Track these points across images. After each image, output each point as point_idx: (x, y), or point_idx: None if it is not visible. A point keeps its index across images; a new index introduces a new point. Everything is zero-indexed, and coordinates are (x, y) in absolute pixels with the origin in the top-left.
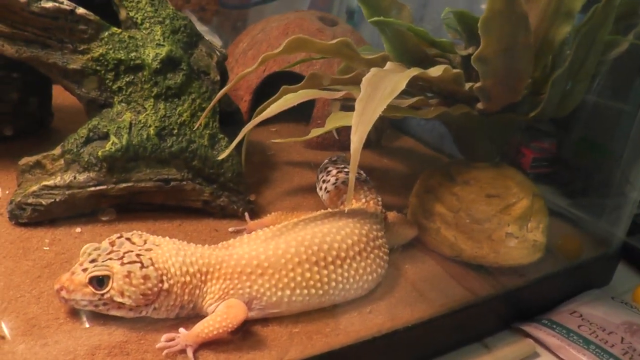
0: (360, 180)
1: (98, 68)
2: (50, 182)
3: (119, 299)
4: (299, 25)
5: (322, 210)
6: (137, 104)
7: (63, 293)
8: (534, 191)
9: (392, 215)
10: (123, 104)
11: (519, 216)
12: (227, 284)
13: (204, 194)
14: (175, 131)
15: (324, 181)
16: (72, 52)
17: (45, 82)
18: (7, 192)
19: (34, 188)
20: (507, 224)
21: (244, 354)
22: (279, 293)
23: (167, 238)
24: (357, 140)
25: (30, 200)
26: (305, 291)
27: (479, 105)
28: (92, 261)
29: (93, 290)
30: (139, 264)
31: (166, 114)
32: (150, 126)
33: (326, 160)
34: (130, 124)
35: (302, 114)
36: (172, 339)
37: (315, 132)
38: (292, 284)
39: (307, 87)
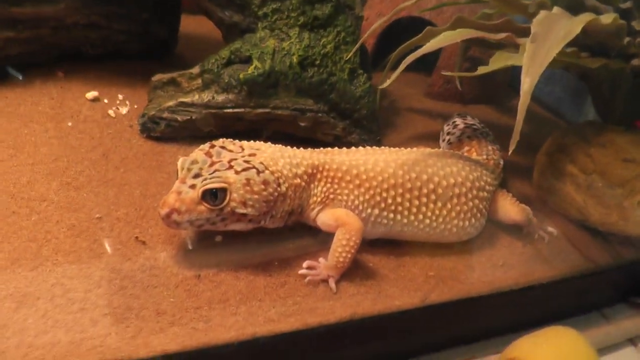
0: (486, 137)
1: None
2: (187, 99)
3: (242, 210)
4: None
5: (436, 149)
6: (281, 32)
7: (175, 216)
8: None
9: (502, 192)
10: (267, 30)
11: None
12: (327, 187)
13: (337, 128)
14: (318, 62)
15: (448, 133)
16: None
17: (174, 7)
18: (135, 106)
19: (170, 103)
20: None
21: (383, 288)
22: (368, 210)
23: (260, 142)
24: (528, 82)
25: (165, 115)
26: (391, 215)
27: (635, 62)
28: (197, 176)
29: (209, 206)
30: (254, 170)
31: (310, 44)
32: (293, 54)
33: (455, 114)
34: (274, 50)
35: (422, 64)
36: (314, 267)
37: (482, 70)
38: (382, 204)
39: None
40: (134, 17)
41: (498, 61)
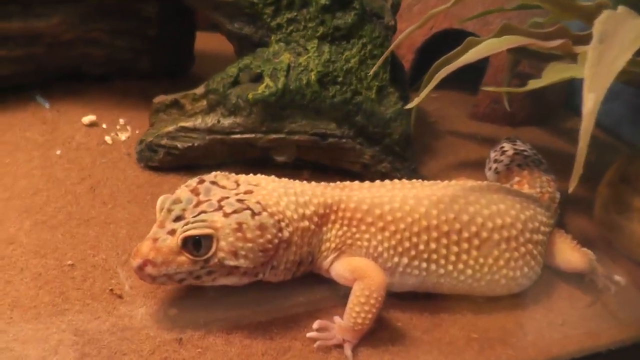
0: (538, 165)
1: (255, 1)
2: (189, 124)
3: (232, 262)
4: None
5: (479, 181)
6: (297, 45)
7: (149, 269)
8: None
9: (560, 233)
10: (281, 44)
11: None
12: (344, 230)
13: (365, 155)
14: (340, 79)
15: (495, 160)
16: None
17: (188, 22)
18: (137, 132)
19: (170, 128)
20: None
21: (413, 356)
22: (395, 259)
23: (261, 175)
24: (592, 99)
25: (164, 142)
26: (424, 265)
27: None
28: (178, 219)
29: (191, 257)
30: (248, 212)
31: (331, 59)
32: (311, 71)
33: (503, 139)
34: (289, 66)
35: (466, 82)
36: (326, 329)
37: (533, 84)
38: (412, 252)
39: None
40: (139, 33)
41: (553, 74)
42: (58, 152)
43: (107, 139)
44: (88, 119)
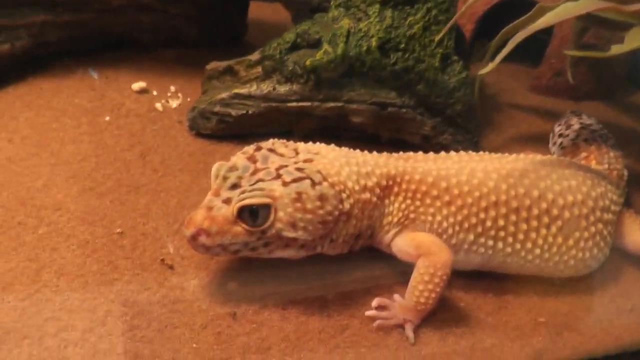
0: (606, 141)
1: None
2: (243, 90)
3: (290, 233)
4: None
5: (548, 156)
6: (358, 10)
7: (203, 239)
8: None
9: (630, 213)
10: (341, 9)
11: None
12: (407, 204)
13: (425, 126)
14: (402, 46)
15: (560, 135)
16: None
17: None
18: (188, 99)
19: (223, 95)
20: None
21: (478, 339)
22: (461, 235)
23: (320, 143)
24: None
25: (217, 109)
26: (491, 242)
27: None
28: (234, 187)
29: (247, 227)
30: (308, 181)
31: (393, 24)
32: (372, 37)
33: (568, 112)
34: (349, 32)
35: (527, 53)
36: (386, 308)
37: (615, 50)
38: (479, 228)
39: None
40: (193, 0)
41: (637, 39)
42: (107, 119)
43: (158, 105)
44: (138, 85)
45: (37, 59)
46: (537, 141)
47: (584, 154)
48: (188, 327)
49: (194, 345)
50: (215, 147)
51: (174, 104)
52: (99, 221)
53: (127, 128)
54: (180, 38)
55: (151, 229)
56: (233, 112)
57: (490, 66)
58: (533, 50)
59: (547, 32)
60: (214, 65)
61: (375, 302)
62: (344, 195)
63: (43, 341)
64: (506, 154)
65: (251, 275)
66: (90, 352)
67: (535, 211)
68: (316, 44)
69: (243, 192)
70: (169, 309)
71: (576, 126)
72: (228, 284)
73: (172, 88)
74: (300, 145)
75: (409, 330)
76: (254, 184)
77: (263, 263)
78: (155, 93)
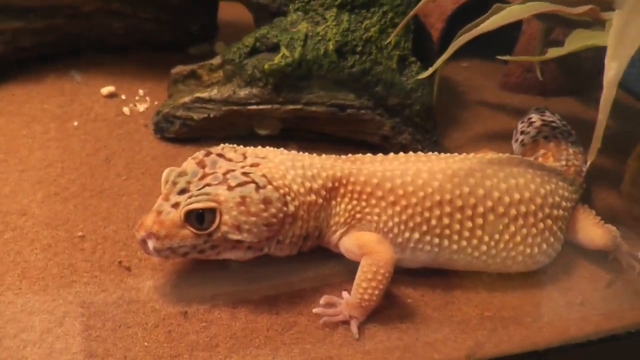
0: (566, 137)
1: None
2: (204, 95)
3: (235, 236)
4: None
5: (499, 154)
6: (316, 14)
7: (152, 242)
8: None
9: (584, 209)
10: (299, 13)
11: None
12: (353, 204)
13: (384, 127)
14: (359, 49)
15: (522, 132)
16: None
17: None
18: (155, 103)
19: (186, 99)
20: None
21: (422, 334)
22: (406, 234)
23: (269, 147)
24: (614, 68)
25: (179, 113)
26: (436, 240)
27: None
28: (182, 192)
29: (194, 230)
30: (252, 185)
31: (350, 28)
32: (329, 40)
33: (532, 109)
34: (306, 35)
35: (496, 51)
36: (333, 305)
37: (554, 53)
38: (424, 227)
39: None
40: (162, 4)
41: (576, 41)
42: (75, 124)
43: (125, 109)
44: (107, 89)
45: (10, 64)
46: (502, 138)
47: (542, 151)
48: (141, 327)
49: (145, 343)
50: (179, 150)
51: (141, 107)
52: (62, 225)
53: (94, 133)
54: (151, 42)
55: (111, 232)
56: (195, 116)
57: (431, 70)
58: (505, 47)
59: (518, 28)
60: (179, 69)
61: (322, 300)
62: (288, 198)
63: (3, 342)
64: (455, 154)
65: (204, 276)
66: (47, 352)
67: (481, 209)
68: (275, 48)
69: (190, 197)
70: (124, 310)
71: (537, 123)
72: (181, 284)
73: (141, 92)
74: (249, 149)
75: (353, 326)
76: (201, 188)
77: (216, 264)
78: (123, 97)
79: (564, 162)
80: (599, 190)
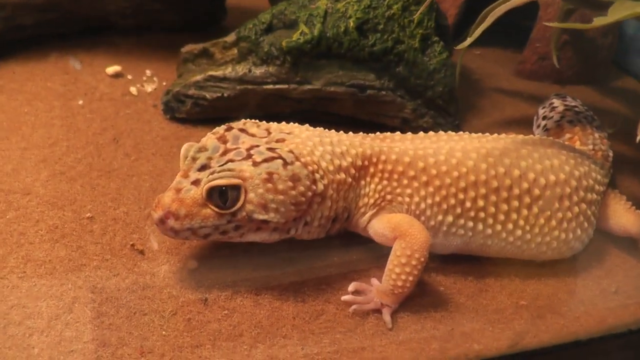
0: (591, 124)
1: None
2: (218, 73)
3: (261, 215)
4: None
5: (530, 135)
6: None
7: (171, 222)
8: None
9: (614, 194)
10: None
11: None
12: (383, 185)
13: (405, 109)
14: (381, 26)
15: (544, 117)
16: None
17: None
18: (164, 83)
19: (198, 78)
20: None
21: (457, 323)
22: (439, 216)
23: (294, 123)
24: None
25: (191, 92)
26: (470, 224)
27: None
28: (203, 168)
29: (216, 209)
30: (280, 161)
31: (371, 5)
32: (350, 17)
33: (553, 94)
34: (326, 12)
35: (510, 39)
36: (363, 292)
37: (599, 21)
38: (458, 209)
39: None
40: None
41: (620, 10)
42: (80, 102)
43: (133, 89)
44: (112, 69)
45: (11, 43)
46: (521, 125)
47: (568, 135)
48: (157, 314)
49: (163, 332)
50: (190, 131)
51: (149, 88)
52: (69, 206)
53: (100, 112)
54: (159, 23)
55: (122, 213)
56: (208, 95)
57: (468, 40)
58: (517, 36)
59: (531, 18)
60: (189, 48)
61: (351, 287)
62: (317, 176)
63: (7, 329)
64: (487, 134)
65: (224, 261)
66: (55, 340)
67: (516, 191)
68: (292, 25)
69: (212, 173)
70: (138, 295)
71: (560, 108)
72: (200, 269)
73: (148, 72)
74: (273, 125)
75: (386, 315)
76: (223, 164)
77: (236, 248)
78: (130, 77)
79: (591, 147)
80: (623, 178)
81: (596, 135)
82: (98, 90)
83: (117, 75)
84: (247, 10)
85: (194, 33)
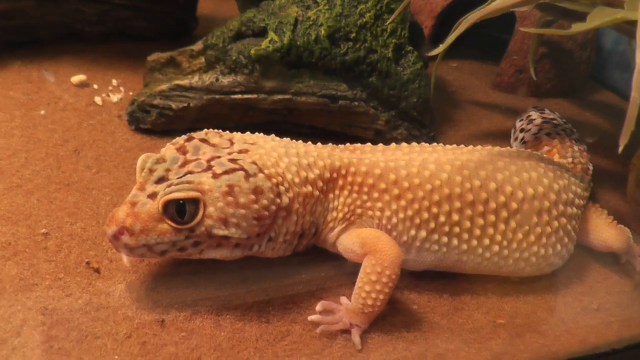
0: (570, 136)
1: None
2: (184, 82)
3: (221, 231)
4: None
5: (507, 147)
6: None
7: (125, 238)
8: None
9: (595, 208)
10: None
11: None
12: (353, 198)
13: (379, 120)
14: (353, 35)
15: (522, 130)
16: None
17: None
18: (130, 93)
19: (163, 87)
20: None
21: (431, 344)
22: (412, 231)
23: (259, 133)
24: None
25: (156, 102)
26: (445, 239)
27: None
28: (160, 180)
29: (174, 224)
30: (241, 172)
31: (343, 12)
32: (321, 25)
33: (530, 107)
34: (296, 20)
35: (487, 52)
36: (331, 311)
37: (578, 28)
38: (432, 224)
39: None
40: None
41: (599, 17)
42: (42, 112)
43: (97, 99)
44: (77, 78)
45: None
46: (498, 137)
47: (546, 148)
48: (111, 337)
49: (116, 357)
50: (155, 142)
51: (114, 98)
52: (24, 221)
53: (62, 122)
54: (127, 31)
55: (79, 229)
56: (174, 105)
57: (442, 47)
58: (494, 49)
59: (509, 31)
60: (156, 56)
61: (319, 306)
62: (282, 188)
63: None
64: (462, 146)
65: (184, 278)
66: None
67: (493, 205)
68: (262, 33)
69: (170, 186)
70: (91, 317)
71: (538, 120)
72: (158, 288)
73: (114, 82)
74: (237, 135)
75: (355, 336)
76: (182, 176)
77: (198, 264)
78: (95, 87)
79: (570, 159)
80: (603, 192)
81: (575, 148)
82: (62, 100)
83: (82, 85)
84: (219, 19)
85: (164, 42)
